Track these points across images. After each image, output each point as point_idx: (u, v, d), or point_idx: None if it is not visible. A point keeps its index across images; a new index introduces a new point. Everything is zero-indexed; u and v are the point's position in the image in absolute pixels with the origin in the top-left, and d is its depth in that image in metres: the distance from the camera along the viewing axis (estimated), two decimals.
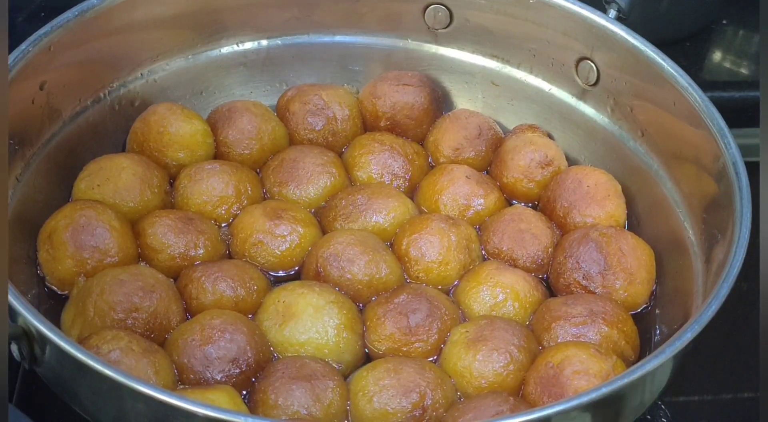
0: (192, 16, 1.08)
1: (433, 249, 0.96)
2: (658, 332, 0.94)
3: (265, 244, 0.96)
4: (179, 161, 1.03)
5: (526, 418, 0.73)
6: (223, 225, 1.00)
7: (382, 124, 1.10)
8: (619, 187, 1.03)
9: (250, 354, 0.86)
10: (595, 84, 1.07)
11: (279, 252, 0.96)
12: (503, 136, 1.10)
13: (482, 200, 1.03)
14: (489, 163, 1.09)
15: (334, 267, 0.94)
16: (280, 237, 0.96)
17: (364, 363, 0.89)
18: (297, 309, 0.90)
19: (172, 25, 1.07)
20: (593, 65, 1.06)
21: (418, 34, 1.13)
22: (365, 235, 0.97)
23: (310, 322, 0.89)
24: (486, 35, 1.11)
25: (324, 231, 1.00)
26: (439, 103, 1.13)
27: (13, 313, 0.79)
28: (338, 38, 1.14)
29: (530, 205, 1.06)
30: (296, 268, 0.98)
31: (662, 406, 0.95)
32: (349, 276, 0.94)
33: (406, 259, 0.97)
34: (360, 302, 0.94)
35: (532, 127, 1.10)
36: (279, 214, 0.97)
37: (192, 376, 0.85)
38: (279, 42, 1.13)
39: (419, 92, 1.10)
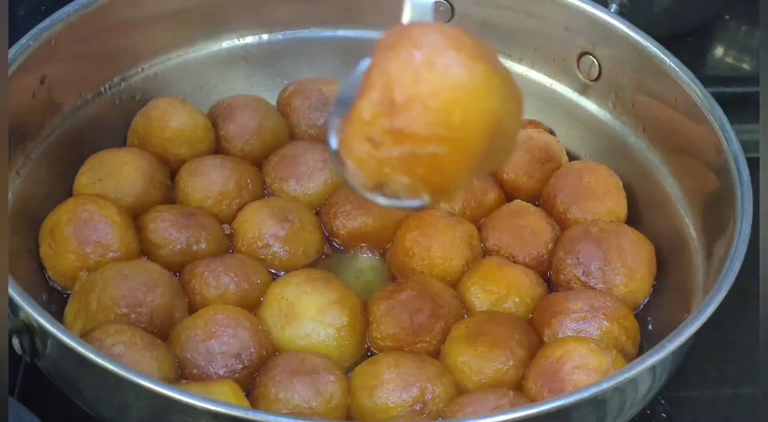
0: (193, 11, 1.08)
1: (438, 244, 0.96)
2: (658, 327, 0.94)
3: (272, 247, 0.96)
4: (180, 156, 1.03)
5: (526, 413, 0.73)
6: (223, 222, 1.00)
7: None
8: (620, 183, 1.03)
9: (252, 350, 0.86)
10: (597, 79, 1.06)
11: (286, 258, 0.96)
12: None
13: (482, 198, 1.02)
14: None
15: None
16: (288, 242, 0.96)
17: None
18: (299, 309, 0.89)
19: (173, 19, 1.07)
20: (595, 60, 1.06)
21: None
22: None
23: (311, 325, 0.88)
24: (487, 30, 1.11)
25: (324, 228, 1.00)
26: None
27: (14, 307, 0.79)
28: (340, 33, 1.14)
29: (532, 201, 1.05)
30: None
31: (662, 401, 0.95)
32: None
33: (410, 254, 0.96)
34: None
35: (533, 123, 1.10)
36: (286, 217, 0.97)
37: (195, 371, 0.85)
38: (280, 36, 1.13)
39: None
